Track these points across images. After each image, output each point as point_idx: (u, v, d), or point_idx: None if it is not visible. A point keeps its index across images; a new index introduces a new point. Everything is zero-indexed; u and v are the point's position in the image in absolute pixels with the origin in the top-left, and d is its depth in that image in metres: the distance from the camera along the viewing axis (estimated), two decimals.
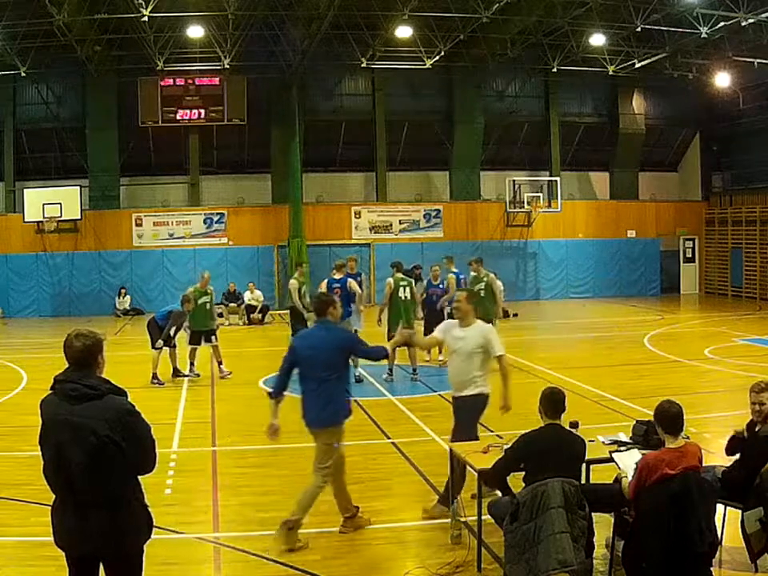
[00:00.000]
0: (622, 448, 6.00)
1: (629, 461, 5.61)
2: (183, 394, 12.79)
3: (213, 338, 14.21)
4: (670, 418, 5.19)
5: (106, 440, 3.97)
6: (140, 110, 25.21)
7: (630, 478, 5.35)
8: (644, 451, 5.63)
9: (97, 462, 3.97)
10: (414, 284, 13.98)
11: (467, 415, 7.17)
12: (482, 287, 14.21)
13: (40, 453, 4.16)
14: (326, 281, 13.94)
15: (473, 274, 14.90)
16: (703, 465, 5.32)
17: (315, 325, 7.01)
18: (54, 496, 4.21)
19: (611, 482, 5.75)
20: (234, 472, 8.64)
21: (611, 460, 5.85)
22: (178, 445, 9.76)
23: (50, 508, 4.24)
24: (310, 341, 6.85)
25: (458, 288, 13.73)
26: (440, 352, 15.73)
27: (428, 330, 15.43)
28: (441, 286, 15.52)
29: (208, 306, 14.32)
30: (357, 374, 13.38)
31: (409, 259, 23.62)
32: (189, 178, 26.61)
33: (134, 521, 4.18)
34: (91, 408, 4.00)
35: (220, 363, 14.29)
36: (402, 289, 13.56)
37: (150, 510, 4.35)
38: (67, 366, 4.15)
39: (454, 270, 15.14)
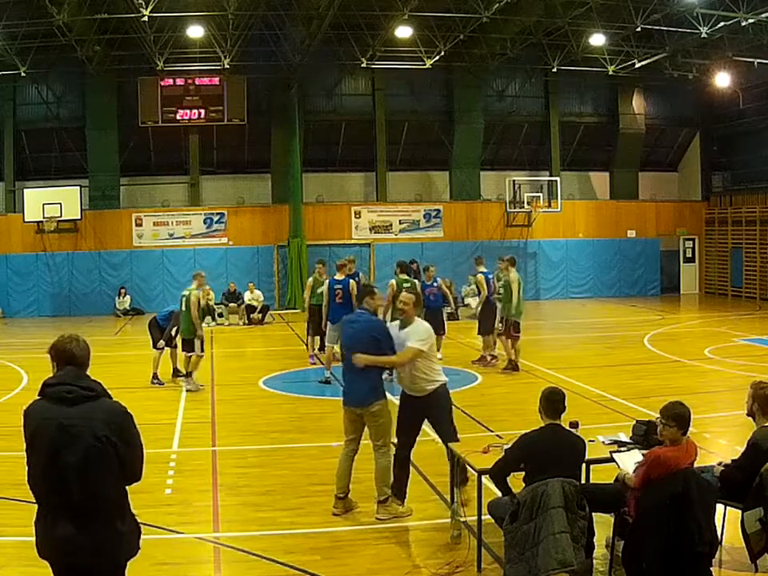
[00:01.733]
0: (623, 448, 6.00)
1: (629, 461, 5.61)
2: (183, 394, 12.78)
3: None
4: (686, 418, 5.20)
5: (105, 441, 3.84)
6: (140, 110, 25.20)
7: (632, 474, 5.36)
8: (644, 451, 5.63)
9: (95, 465, 3.83)
10: (417, 285, 13.95)
11: (443, 410, 7.31)
12: (502, 287, 14.38)
13: (26, 461, 4.00)
14: (327, 282, 13.94)
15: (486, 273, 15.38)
16: (702, 464, 5.33)
17: (356, 312, 7.60)
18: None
19: (611, 481, 5.75)
20: (234, 472, 8.64)
21: (611, 460, 5.85)
22: (178, 445, 9.77)
23: None
24: (348, 325, 7.41)
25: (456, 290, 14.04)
26: (438, 350, 15.77)
27: None
28: (435, 284, 15.59)
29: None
30: None
31: (409, 259, 23.72)
32: (189, 177, 26.60)
33: (128, 531, 4.01)
34: (88, 409, 3.87)
35: (177, 370, 13.76)
36: (404, 291, 13.51)
37: (137, 519, 4.18)
38: (57, 370, 4.01)
39: (483, 269, 15.42)
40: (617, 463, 5.72)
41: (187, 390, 12.96)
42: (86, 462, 3.82)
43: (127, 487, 4.09)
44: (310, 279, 15.35)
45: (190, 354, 13.16)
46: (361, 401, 7.12)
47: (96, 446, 3.83)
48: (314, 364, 14.96)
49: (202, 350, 13.22)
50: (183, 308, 13.16)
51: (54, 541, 3.89)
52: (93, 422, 3.84)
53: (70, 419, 3.82)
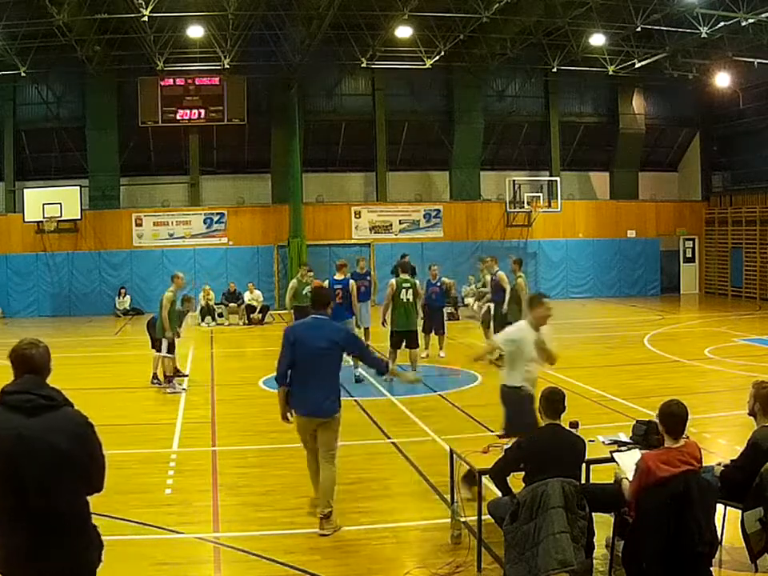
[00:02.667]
0: (623, 448, 5.99)
1: (629, 461, 5.60)
2: (183, 395, 12.78)
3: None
4: (675, 419, 5.17)
5: (65, 454, 3.69)
6: (140, 110, 25.20)
7: (629, 479, 5.35)
8: (644, 451, 5.62)
9: (57, 478, 3.69)
10: (416, 285, 13.90)
11: None
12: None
13: None
14: (327, 281, 13.97)
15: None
16: (703, 465, 5.32)
17: (311, 317, 7.09)
18: None
19: (611, 482, 5.75)
20: (234, 472, 8.64)
21: (611, 460, 5.84)
22: (178, 445, 9.77)
23: None
24: (305, 332, 6.97)
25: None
26: (441, 348, 15.80)
27: (427, 329, 15.45)
28: (438, 284, 15.58)
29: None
30: (357, 374, 13.40)
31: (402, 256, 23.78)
32: (189, 177, 26.61)
33: (89, 543, 3.89)
34: (48, 420, 3.70)
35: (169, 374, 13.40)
36: (404, 291, 13.49)
37: (99, 531, 4.03)
38: (15, 376, 3.84)
39: (497, 268, 15.43)
40: (617, 463, 5.71)
41: (171, 392, 12.82)
42: (47, 475, 3.68)
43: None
44: (294, 281, 15.24)
45: (157, 354, 13.04)
46: (327, 410, 6.83)
47: (58, 458, 3.69)
48: None
49: (168, 352, 12.93)
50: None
51: (11, 554, 3.72)
52: (55, 434, 3.69)
53: (29, 430, 3.67)
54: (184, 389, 13.07)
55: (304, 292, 14.89)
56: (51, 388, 3.84)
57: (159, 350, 13.05)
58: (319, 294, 7.33)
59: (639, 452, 5.73)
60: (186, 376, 14.18)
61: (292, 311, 14.91)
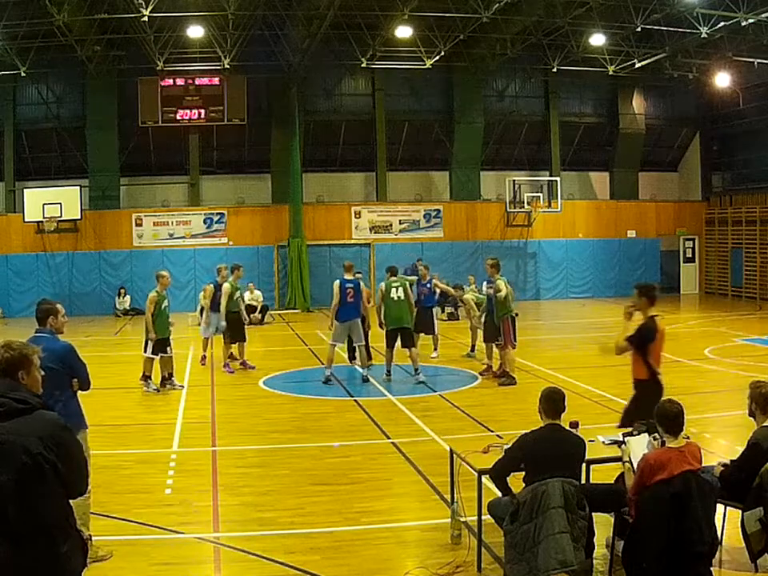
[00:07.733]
0: (635, 432, 5.90)
1: (638, 447, 5.55)
2: (183, 394, 12.77)
3: (168, 348, 12.98)
4: (670, 418, 5.19)
5: (39, 459, 3.52)
6: (140, 110, 25.20)
7: (634, 467, 5.33)
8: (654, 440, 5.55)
9: (30, 484, 3.52)
10: (408, 285, 13.87)
11: None
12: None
13: None
14: (338, 281, 13.87)
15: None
16: (703, 465, 5.33)
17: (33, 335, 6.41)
18: None
19: (611, 482, 5.75)
20: (233, 472, 8.63)
21: (613, 460, 5.83)
22: (178, 445, 9.76)
23: None
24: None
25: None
26: (435, 349, 15.80)
27: (416, 329, 15.40)
28: (428, 285, 15.60)
29: (167, 309, 13.22)
30: (364, 374, 13.44)
31: (409, 259, 23.76)
32: (189, 177, 26.61)
33: (70, 549, 3.71)
34: (21, 424, 3.55)
35: (171, 375, 13.22)
36: (393, 289, 13.55)
37: (83, 535, 3.94)
38: None
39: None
40: (626, 447, 5.63)
41: (146, 392, 12.68)
42: (20, 482, 3.51)
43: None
44: (226, 285, 14.60)
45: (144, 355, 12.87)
46: None
47: (30, 464, 3.51)
48: (232, 373, 14.58)
49: (154, 353, 12.72)
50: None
51: None
52: (26, 438, 3.53)
53: (3, 434, 3.52)
54: (156, 389, 12.77)
55: (235, 297, 14.64)
56: (25, 391, 3.73)
57: (144, 351, 12.86)
58: (38, 307, 6.54)
59: (648, 437, 5.66)
60: (145, 378, 13.19)
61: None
